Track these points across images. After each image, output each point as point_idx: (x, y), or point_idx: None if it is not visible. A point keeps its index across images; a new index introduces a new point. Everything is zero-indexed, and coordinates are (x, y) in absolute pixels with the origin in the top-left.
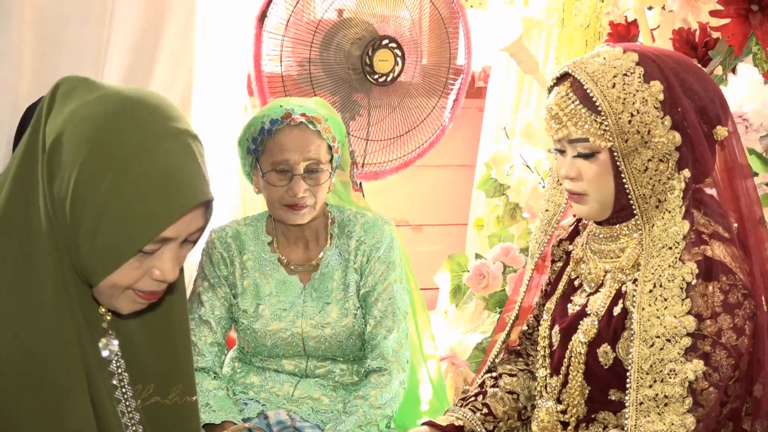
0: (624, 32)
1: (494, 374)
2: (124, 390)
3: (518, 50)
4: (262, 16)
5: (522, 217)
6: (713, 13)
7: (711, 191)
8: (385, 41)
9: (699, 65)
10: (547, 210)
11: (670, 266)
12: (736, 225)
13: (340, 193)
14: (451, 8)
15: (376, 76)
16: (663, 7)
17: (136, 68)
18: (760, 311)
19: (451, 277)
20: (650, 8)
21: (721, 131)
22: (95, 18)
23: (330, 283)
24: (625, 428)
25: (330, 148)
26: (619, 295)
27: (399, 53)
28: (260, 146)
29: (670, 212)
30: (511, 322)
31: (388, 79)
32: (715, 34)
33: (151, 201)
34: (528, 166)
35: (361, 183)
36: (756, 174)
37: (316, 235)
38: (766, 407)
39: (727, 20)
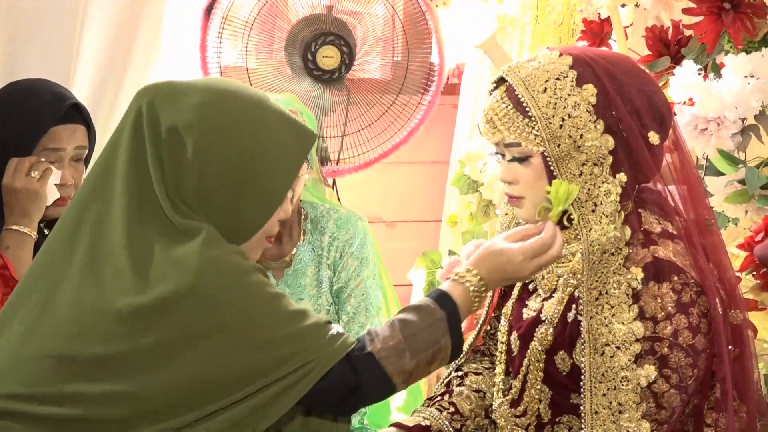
0: (597, 29)
1: (460, 373)
2: None
3: (492, 47)
4: (209, 9)
5: (495, 213)
6: (686, 11)
7: (656, 187)
8: (331, 38)
9: (642, 68)
10: (506, 213)
11: (614, 273)
12: (682, 222)
13: (312, 190)
14: (418, 7)
15: (319, 73)
16: (636, 5)
17: (112, 65)
18: (713, 308)
19: (425, 273)
20: (623, 5)
21: (652, 137)
22: (67, 14)
23: (303, 279)
24: None
25: None
26: (572, 300)
27: (346, 50)
28: None
29: (607, 216)
30: (480, 322)
31: (334, 76)
32: (688, 32)
33: (290, 142)
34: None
35: (335, 180)
36: (722, 174)
37: (290, 230)
38: (728, 403)
39: (700, 18)
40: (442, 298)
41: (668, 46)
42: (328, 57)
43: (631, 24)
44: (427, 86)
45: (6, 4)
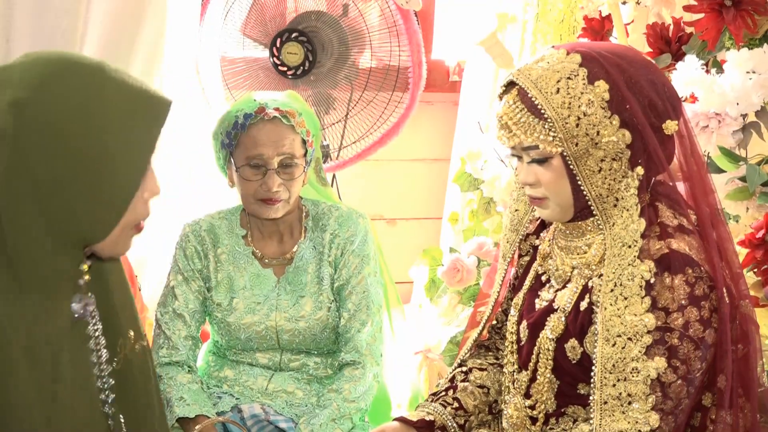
0: (598, 27)
1: (464, 369)
2: (99, 353)
3: (493, 45)
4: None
5: (496, 211)
6: (687, 8)
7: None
8: (294, 34)
9: (648, 58)
10: (516, 210)
11: (629, 265)
12: (695, 217)
13: (317, 188)
14: (387, 7)
15: (284, 69)
16: (637, 2)
17: (115, 62)
18: (722, 303)
19: (427, 270)
20: (624, 3)
21: (669, 125)
22: (71, 11)
23: (304, 276)
24: (591, 427)
25: (304, 142)
26: (585, 290)
27: (309, 47)
28: (234, 140)
29: (628, 210)
30: (485, 319)
31: (298, 72)
32: (689, 29)
33: (135, 120)
34: (502, 161)
35: (334, 175)
36: (723, 171)
37: (291, 228)
38: (729, 397)
39: (701, 15)
40: None
41: (669, 44)
42: (292, 54)
43: (632, 21)
44: (402, 86)
45: (6, 2)
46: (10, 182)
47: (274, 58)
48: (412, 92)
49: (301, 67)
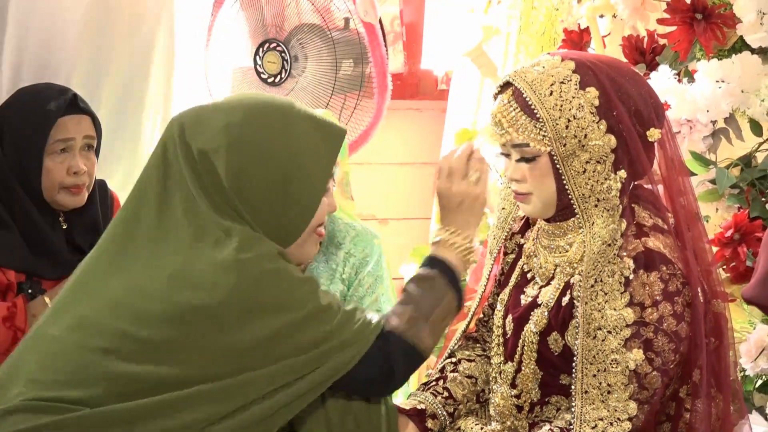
0: (577, 39)
1: (453, 360)
2: None
3: (478, 56)
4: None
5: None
6: (660, 21)
7: (649, 186)
8: (273, 44)
9: (635, 70)
10: (503, 208)
11: (609, 262)
12: (672, 218)
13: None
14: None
15: (265, 76)
16: (614, 15)
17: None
18: (695, 299)
19: (417, 268)
20: (602, 16)
21: (653, 133)
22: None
23: None
24: (573, 415)
25: None
26: (567, 286)
27: (286, 57)
28: None
29: (608, 211)
30: (472, 312)
31: (276, 80)
32: (662, 41)
33: (320, 142)
34: None
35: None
36: (694, 174)
37: None
38: (705, 389)
39: (674, 28)
40: (432, 262)
41: (644, 55)
42: (271, 62)
43: (609, 33)
44: (371, 94)
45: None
46: (227, 188)
47: (257, 66)
48: (378, 102)
49: (279, 75)
